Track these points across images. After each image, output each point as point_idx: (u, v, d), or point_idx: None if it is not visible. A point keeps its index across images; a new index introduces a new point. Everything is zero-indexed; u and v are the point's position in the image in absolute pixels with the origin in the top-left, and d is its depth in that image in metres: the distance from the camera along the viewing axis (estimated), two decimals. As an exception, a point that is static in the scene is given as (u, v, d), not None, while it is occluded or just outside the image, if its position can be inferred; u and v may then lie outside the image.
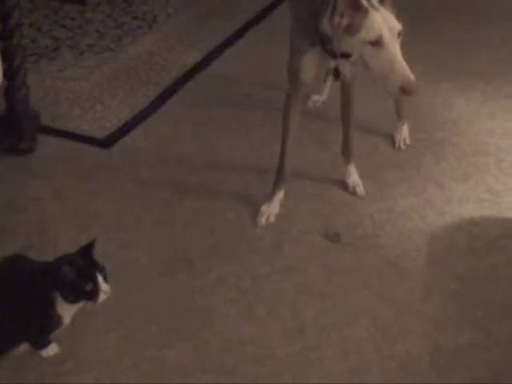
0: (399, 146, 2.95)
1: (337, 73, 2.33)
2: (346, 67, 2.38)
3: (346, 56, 2.23)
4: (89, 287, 1.93)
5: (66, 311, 1.97)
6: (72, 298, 1.94)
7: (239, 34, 3.68)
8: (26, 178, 2.70)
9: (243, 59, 3.48)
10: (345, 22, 2.08)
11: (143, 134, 2.97)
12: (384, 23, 2.07)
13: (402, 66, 2.05)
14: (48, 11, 3.77)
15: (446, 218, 2.61)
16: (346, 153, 2.71)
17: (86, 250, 1.97)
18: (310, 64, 2.34)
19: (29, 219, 2.52)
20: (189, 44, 3.57)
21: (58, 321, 1.97)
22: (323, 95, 3.16)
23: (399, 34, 2.09)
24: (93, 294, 1.93)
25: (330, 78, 3.11)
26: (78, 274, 1.92)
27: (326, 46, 2.24)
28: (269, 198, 2.59)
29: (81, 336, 2.11)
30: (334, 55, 2.25)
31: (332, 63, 2.34)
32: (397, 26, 2.08)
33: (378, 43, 2.05)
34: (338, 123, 2.77)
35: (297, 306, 2.26)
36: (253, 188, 2.70)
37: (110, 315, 2.16)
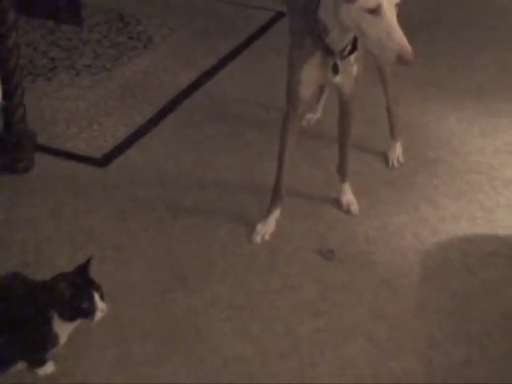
0: (393, 164, 2.97)
1: (335, 69, 2.33)
2: (345, 84, 2.40)
3: (343, 55, 2.27)
4: (85, 305, 1.94)
5: (63, 330, 1.99)
6: (69, 317, 1.96)
7: (233, 53, 3.71)
8: (23, 197, 2.72)
9: (237, 79, 3.51)
10: None
11: (139, 152, 2.99)
12: None
13: (399, 34, 2.06)
14: (45, 32, 3.81)
15: (439, 236, 2.63)
16: (342, 171, 2.73)
17: (83, 269, 1.99)
18: (309, 78, 2.36)
19: (25, 237, 2.53)
20: (184, 64, 3.60)
21: (54, 339, 1.98)
22: (317, 114, 3.19)
23: (396, 5, 2.11)
24: (89, 313, 1.95)
25: (324, 97, 3.17)
26: (74, 292, 1.94)
27: (324, 42, 2.25)
28: (264, 216, 2.61)
29: (77, 354, 2.12)
30: (332, 53, 2.27)
31: (331, 76, 2.35)
32: None
33: (376, 12, 2.06)
34: (333, 141, 2.81)
35: (291, 324, 2.27)
36: (248, 206, 2.72)
37: (106, 333, 2.17)
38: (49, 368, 2.06)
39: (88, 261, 1.99)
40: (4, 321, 1.95)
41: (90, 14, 3.95)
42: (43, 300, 1.95)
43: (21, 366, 2.03)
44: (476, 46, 3.88)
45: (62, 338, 2.00)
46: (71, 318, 1.96)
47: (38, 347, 1.99)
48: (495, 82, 3.56)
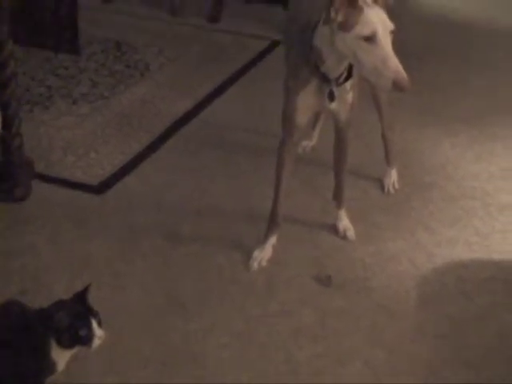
0: (388, 191, 2.99)
1: (331, 96, 2.35)
2: (341, 111, 2.43)
3: (339, 82, 2.30)
4: (83, 333, 1.94)
5: (61, 357, 1.98)
6: (67, 344, 1.96)
7: (229, 82, 3.75)
8: (21, 224, 2.73)
9: (234, 106, 3.54)
10: (340, 18, 2.12)
11: (136, 180, 3.01)
12: (378, 20, 2.11)
13: (395, 61, 2.08)
14: (41, 60, 3.84)
15: (435, 261, 2.65)
16: (338, 198, 2.74)
17: (81, 296, 1.99)
18: (304, 105, 2.38)
19: (23, 264, 2.54)
20: (181, 92, 3.63)
21: (52, 367, 1.97)
22: (312, 141, 3.22)
23: (391, 32, 2.14)
24: (87, 340, 1.95)
25: (319, 124, 3.19)
26: (72, 319, 1.94)
27: (319, 70, 2.28)
28: (261, 242, 2.62)
29: (75, 381, 2.12)
30: (328, 80, 2.30)
31: (327, 103, 2.37)
32: (390, 24, 2.12)
33: (371, 39, 2.09)
34: (328, 168, 2.83)
35: (290, 349, 2.27)
36: (245, 233, 2.73)
37: (104, 360, 2.17)
38: (47, 396, 2.06)
39: (86, 288, 2.00)
40: (1, 348, 1.95)
41: (87, 43, 3.98)
42: (41, 327, 1.95)
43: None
44: (469, 72, 3.92)
45: (60, 366, 1.99)
46: (69, 345, 1.96)
47: (35, 375, 1.98)
48: (489, 108, 3.60)
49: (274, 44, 4.11)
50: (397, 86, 2.08)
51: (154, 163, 3.12)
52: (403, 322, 2.40)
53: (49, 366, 1.97)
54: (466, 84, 3.80)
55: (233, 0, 4.60)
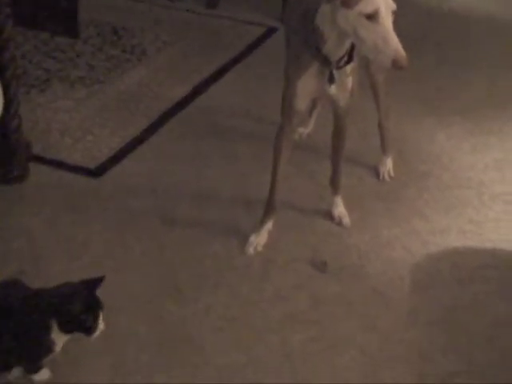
0: (383, 178, 3.01)
1: (331, 77, 2.36)
2: (340, 96, 2.43)
3: (339, 65, 2.31)
4: (89, 324, 1.97)
5: (60, 338, 2.00)
6: (68, 330, 1.98)
7: (226, 67, 3.75)
8: (18, 206, 2.74)
9: (230, 92, 3.55)
10: None
11: (133, 164, 3.02)
12: None
13: (395, 40, 2.10)
14: (39, 43, 3.83)
15: (429, 248, 2.67)
16: (334, 184, 2.76)
17: (92, 287, 2.00)
18: (305, 90, 2.39)
19: (20, 246, 2.55)
20: (177, 77, 3.63)
21: (51, 347, 2.00)
22: (308, 127, 3.23)
23: (393, 12, 2.15)
24: (91, 331, 1.98)
25: (316, 111, 3.21)
26: (84, 310, 1.96)
27: (321, 52, 2.29)
28: (257, 227, 2.64)
29: (72, 362, 2.14)
30: (329, 63, 2.31)
31: (327, 86, 2.38)
32: (392, 4, 2.14)
33: (373, 17, 2.11)
34: (324, 155, 2.84)
35: (284, 334, 2.30)
36: (240, 218, 2.75)
37: (102, 341, 2.17)
38: (44, 374, 2.07)
39: (99, 280, 2.00)
40: (2, 326, 1.96)
41: (84, 27, 3.97)
42: (47, 309, 1.96)
43: (16, 371, 2.04)
44: (464, 64, 3.94)
45: (58, 346, 2.02)
46: (70, 331, 1.99)
47: (34, 353, 2.01)
48: (484, 101, 3.61)
49: (271, 30, 4.11)
50: (396, 63, 2.09)
51: (151, 147, 3.13)
52: (397, 308, 2.42)
53: (48, 346, 1.99)
54: (462, 77, 3.81)
55: (230, -14, 4.61)
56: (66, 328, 1.96)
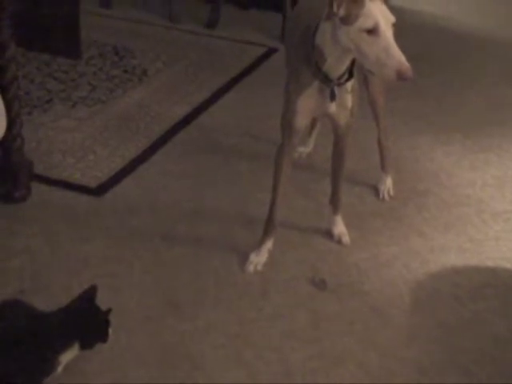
0: (383, 197, 3.03)
1: (332, 95, 2.37)
2: (340, 115, 2.45)
3: (340, 82, 2.33)
4: (106, 331, 2.03)
5: (65, 358, 2.02)
6: (92, 344, 2.04)
7: (226, 87, 3.78)
8: (20, 225, 2.75)
9: (230, 112, 3.58)
10: (342, 12, 2.14)
11: (133, 183, 3.04)
12: (380, 12, 2.14)
13: (398, 52, 2.11)
14: (41, 64, 3.87)
15: (429, 267, 2.68)
16: (335, 203, 2.76)
17: (91, 298, 2.03)
18: (305, 109, 2.40)
19: (21, 265, 2.56)
20: (178, 96, 3.66)
21: (55, 367, 2.01)
22: (308, 147, 3.25)
23: (393, 24, 2.17)
24: (107, 337, 2.05)
25: (316, 131, 3.23)
26: (99, 320, 2.03)
27: (321, 70, 2.30)
28: (257, 246, 2.64)
29: (72, 380, 2.14)
30: (329, 81, 2.32)
31: (328, 104, 2.40)
32: (391, 17, 2.16)
33: (374, 31, 2.12)
34: (323, 174, 2.86)
35: (284, 351, 2.30)
36: (241, 236, 2.76)
37: (101, 359, 2.19)
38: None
39: (93, 289, 2.02)
40: (6, 346, 1.97)
41: (86, 48, 4.01)
42: (67, 329, 2.01)
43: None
44: (463, 81, 3.97)
45: (61, 366, 2.03)
46: (93, 345, 2.05)
47: (38, 373, 2.01)
48: (482, 118, 3.64)
49: (271, 51, 4.15)
50: (400, 75, 2.10)
51: (152, 167, 3.15)
52: (396, 326, 2.42)
53: (53, 366, 2.00)
54: (460, 94, 3.84)
55: (230, 7, 4.65)
56: (89, 344, 1.99)
